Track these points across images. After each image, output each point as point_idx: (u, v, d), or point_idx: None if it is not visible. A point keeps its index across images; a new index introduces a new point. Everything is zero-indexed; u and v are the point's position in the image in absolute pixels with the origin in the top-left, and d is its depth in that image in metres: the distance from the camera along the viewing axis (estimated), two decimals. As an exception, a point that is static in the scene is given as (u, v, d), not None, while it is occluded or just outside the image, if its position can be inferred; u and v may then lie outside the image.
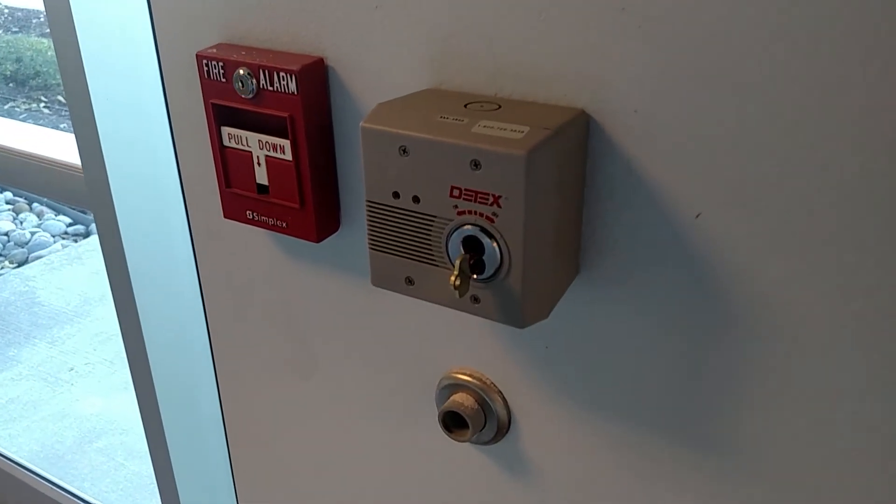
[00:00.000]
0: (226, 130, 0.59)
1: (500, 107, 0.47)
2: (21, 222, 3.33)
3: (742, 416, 0.49)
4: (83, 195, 0.90)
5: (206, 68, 0.57)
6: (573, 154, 0.46)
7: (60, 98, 4.18)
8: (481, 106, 0.47)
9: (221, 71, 0.56)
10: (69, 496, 1.43)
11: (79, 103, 0.81)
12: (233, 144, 0.59)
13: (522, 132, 0.43)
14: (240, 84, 0.55)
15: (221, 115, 0.58)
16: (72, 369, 2.32)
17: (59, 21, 0.77)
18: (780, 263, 0.44)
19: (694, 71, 0.42)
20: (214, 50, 0.57)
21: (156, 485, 1.09)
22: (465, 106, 0.47)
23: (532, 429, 0.59)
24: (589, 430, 0.56)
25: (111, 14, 0.78)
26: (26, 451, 1.52)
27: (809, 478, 0.48)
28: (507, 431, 0.60)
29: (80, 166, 0.88)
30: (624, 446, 0.55)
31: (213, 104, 0.58)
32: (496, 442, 0.61)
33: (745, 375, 0.48)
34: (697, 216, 0.45)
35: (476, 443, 0.62)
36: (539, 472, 0.60)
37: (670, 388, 0.51)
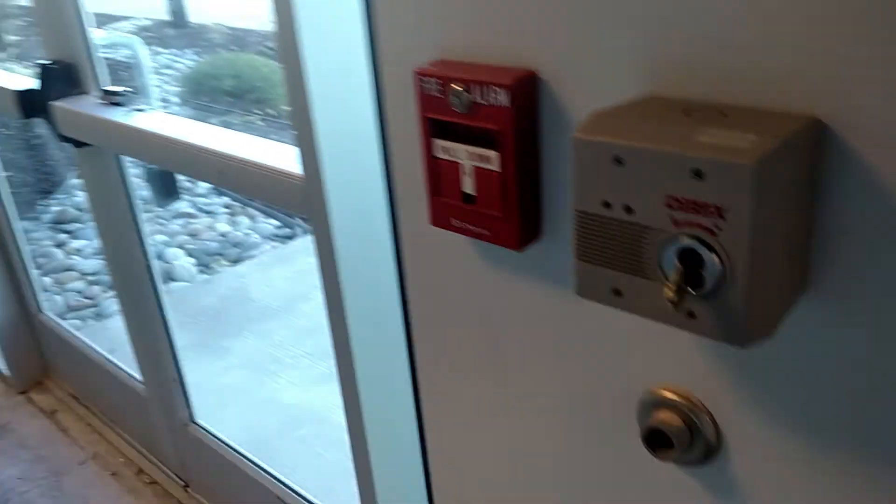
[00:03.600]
0: (438, 143, 0.61)
1: (724, 114, 0.45)
2: (236, 224, 3.69)
3: None
4: (300, 201, 0.97)
5: (423, 85, 0.59)
6: (805, 165, 0.43)
7: (272, 111, 4.57)
8: (703, 114, 0.45)
9: (438, 87, 0.58)
10: (273, 480, 1.56)
11: (301, 118, 0.88)
12: (443, 156, 0.61)
13: (750, 141, 0.41)
14: (455, 99, 0.57)
15: (435, 128, 0.61)
16: (277, 361, 2.52)
17: (287, 42, 0.84)
18: None
19: (955, 71, 0.38)
20: (432, 67, 0.59)
21: (352, 475, 1.16)
22: (686, 113, 0.46)
23: (744, 455, 0.55)
24: (809, 462, 0.52)
25: (333, 35, 0.85)
26: (237, 436, 1.67)
27: None
28: (715, 455, 0.57)
29: (301, 174, 0.95)
30: (852, 483, 0.50)
31: (428, 118, 0.60)
32: (703, 465, 0.58)
33: None
34: (955, 233, 0.41)
35: (680, 463, 0.59)
36: (748, 500, 0.56)
37: (912, 422, 0.46)
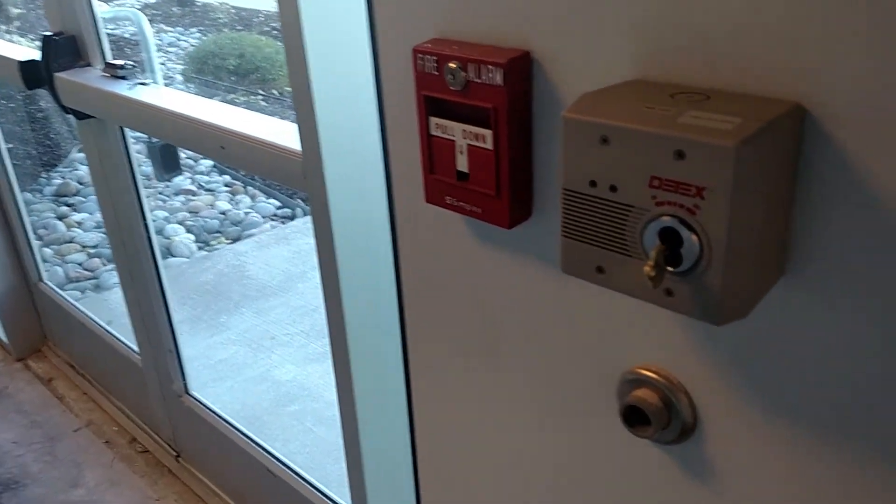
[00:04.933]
0: (434, 120, 0.62)
1: (708, 97, 0.46)
2: (237, 203, 3.70)
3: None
4: (299, 177, 0.98)
5: (420, 62, 0.60)
6: (786, 149, 0.45)
7: (275, 91, 4.57)
8: (689, 96, 0.47)
9: (434, 64, 0.59)
10: (264, 452, 1.58)
11: (302, 95, 0.89)
12: (439, 133, 0.63)
13: (733, 123, 0.42)
14: (450, 77, 0.58)
15: (431, 106, 0.62)
16: (273, 338, 2.54)
17: (289, 22, 0.85)
18: None
19: (931, 63, 0.39)
20: (429, 45, 0.61)
21: (341, 451, 1.18)
22: (672, 96, 0.47)
23: (719, 433, 0.57)
24: (782, 441, 0.53)
25: (334, 11, 0.86)
26: (229, 409, 1.69)
27: None
28: (691, 433, 0.59)
29: (300, 151, 0.96)
30: (821, 461, 0.52)
31: (424, 96, 0.61)
32: (679, 442, 0.60)
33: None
34: (925, 220, 0.42)
35: (657, 441, 0.61)
36: (723, 479, 0.58)
37: (880, 403, 0.47)
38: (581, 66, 0.55)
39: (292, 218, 3.54)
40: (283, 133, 1.06)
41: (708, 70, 0.48)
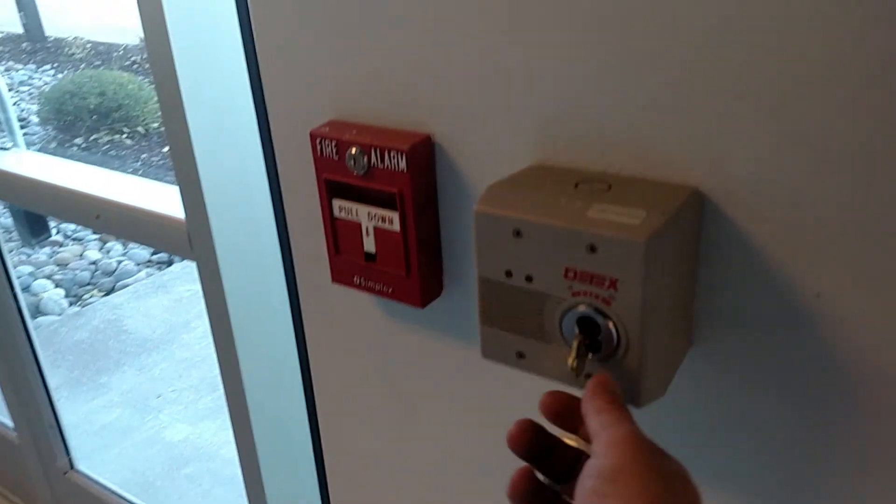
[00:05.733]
0: (337, 203, 0.61)
1: (610, 186, 0.48)
2: (108, 252, 3.49)
3: (861, 496, 0.48)
4: (187, 248, 0.94)
5: (319, 146, 0.59)
6: (688, 234, 0.47)
7: (140, 129, 4.36)
8: (591, 186, 0.48)
9: (334, 149, 0.58)
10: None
11: (183, 160, 0.85)
12: (343, 216, 0.61)
13: (640, 217, 0.44)
14: (352, 162, 0.58)
15: (333, 189, 0.61)
16: (159, 396, 2.41)
17: (168, 92, 0.82)
18: (904, 343, 0.44)
19: (813, 152, 0.43)
20: (327, 128, 0.60)
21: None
22: (576, 186, 0.48)
23: (639, 493, 0.59)
24: None
25: (216, 86, 0.83)
26: (119, 478, 1.59)
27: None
28: None
29: (183, 219, 0.92)
30: (736, 515, 0.54)
31: (326, 179, 0.60)
32: (602, 504, 0.61)
33: (866, 457, 0.47)
34: (817, 296, 0.45)
35: (581, 504, 0.62)
36: (645, 535, 0.60)
37: (785, 464, 0.50)
38: (482, 150, 0.55)
39: (169, 263, 3.38)
40: (164, 198, 1.01)
41: (606, 156, 0.50)
